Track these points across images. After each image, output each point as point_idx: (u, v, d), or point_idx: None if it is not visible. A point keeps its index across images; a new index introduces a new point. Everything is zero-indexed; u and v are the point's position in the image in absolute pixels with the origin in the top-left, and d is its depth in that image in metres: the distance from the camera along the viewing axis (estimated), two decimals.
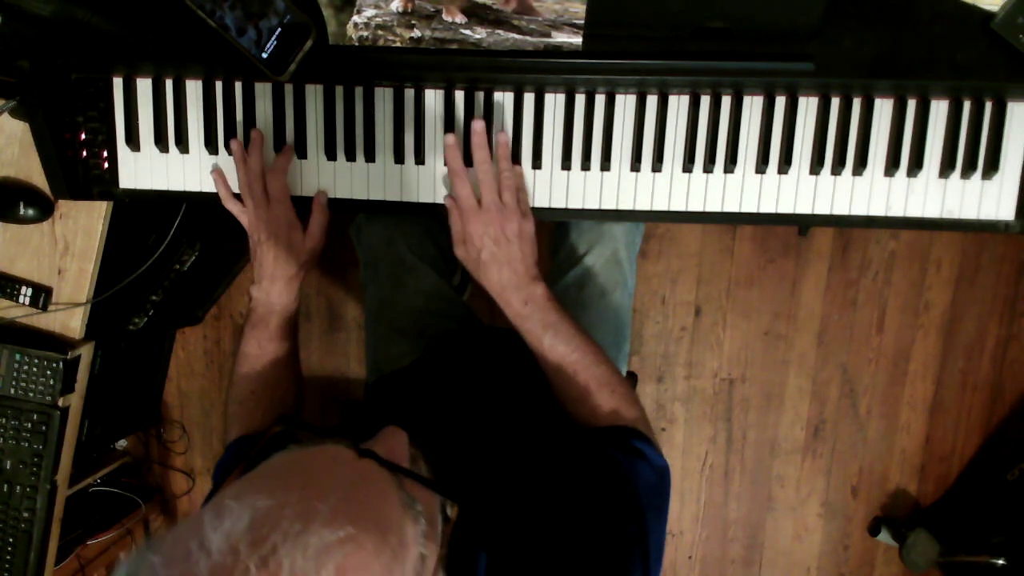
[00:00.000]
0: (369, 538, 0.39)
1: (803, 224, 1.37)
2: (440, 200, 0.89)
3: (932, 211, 0.86)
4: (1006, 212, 0.85)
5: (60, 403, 1.07)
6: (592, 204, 0.88)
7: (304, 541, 0.37)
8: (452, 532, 0.47)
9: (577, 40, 0.78)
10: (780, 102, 0.84)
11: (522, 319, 0.80)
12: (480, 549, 0.58)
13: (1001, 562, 1.60)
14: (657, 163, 0.86)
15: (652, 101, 0.85)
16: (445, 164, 0.84)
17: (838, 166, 0.85)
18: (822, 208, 0.86)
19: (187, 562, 0.36)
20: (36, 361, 1.04)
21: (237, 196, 0.88)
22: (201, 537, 0.37)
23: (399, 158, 0.88)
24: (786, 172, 0.86)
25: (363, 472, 0.44)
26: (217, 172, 0.88)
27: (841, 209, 0.86)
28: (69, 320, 1.06)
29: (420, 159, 0.88)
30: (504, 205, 0.81)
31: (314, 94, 0.87)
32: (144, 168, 0.90)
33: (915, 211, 0.86)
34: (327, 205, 0.88)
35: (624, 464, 0.69)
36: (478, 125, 0.81)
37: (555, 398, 0.84)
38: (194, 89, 0.88)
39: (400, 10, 0.78)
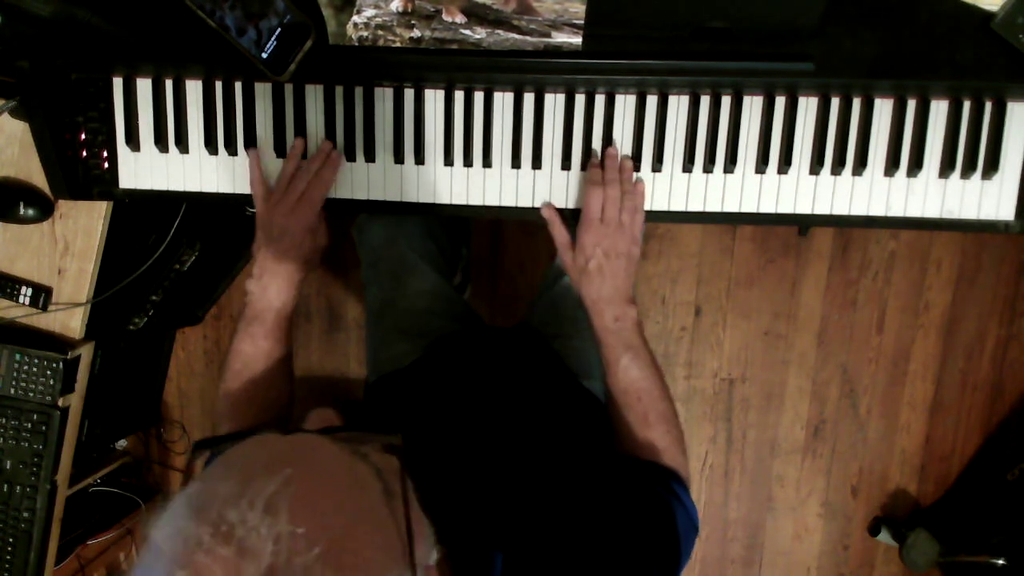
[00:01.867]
0: (311, 475, 0.39)
1: (803, 224, 1.37)
2: (440, 200, 0.89)
3: (932, 211, 0.86)
4: (1006, 212, 0.85)
5: (60, 403, 1.07)
6: None
7: (247, 499, 0.36)
8: (404, 465, 0.46)
9: (577, 40, 0.78)
10: (780, 102, 0.84)
11: (608, 333, 0.81)
12: (495, 549, 0.58)
13: (1001, 562, 1.60)
14: (657, 163, 0.86)
15: (652, 101, 0.85)
16: (587, 172, 0.86)
17: (838, 166, 0.85)
18: (822, 208, 0.86)
19: (146, 572, 0.36)
20: (36, 361, 1.04)
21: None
22: (150, 545, 0.37)
23: (399, 158, 0.88)
24: (786, 172, 0.86)
25: (292, 441, 0.44)
26: (255, 153, 0.86)
27: (841, 209, 0.86)
28: (69, 320, 1.06)
29: (420, 159, 0.88)
30: (622, 224, 0.82)
31: (314, 94, 0.87)
32: (144, 168, 0.90)
33: (915, 211, 0.86)
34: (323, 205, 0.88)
35: (668, 503, 0.70)
36: (613, 151, 0.85)
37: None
38: (194, 89, 0.88)
39: (400, 10, 0.78)
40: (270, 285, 0.84)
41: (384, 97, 0.86)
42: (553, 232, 0.86)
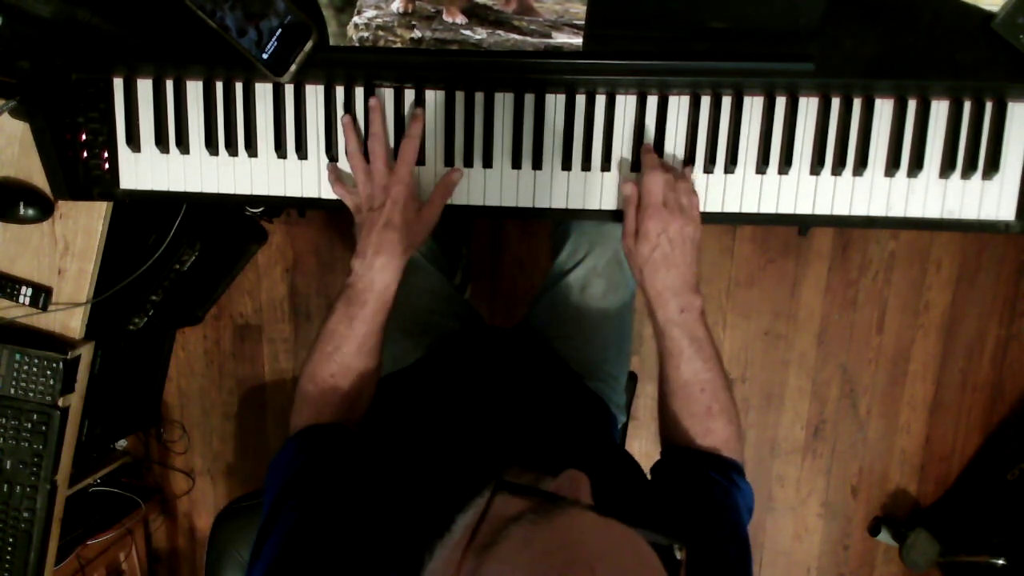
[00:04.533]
0: None
1: (803, 224, 1.36)
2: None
3: (932, 211, 0.86)
4: (1006, 212, 0.85)
5: (60, 403, 1.07)
6: (593, 205, 0.88)
7: None
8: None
9: (577, 41, 0.78)
10: (780, 102, 0.84)
11: (672, 325, 0.78)
12: None
13: (1001, 562, 1.61)
14: None
15: (652, 101, 0.85)
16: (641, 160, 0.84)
17: (838, 166, 0.85)
18: (822, 208, 0.86)
19: None
20: (36, 361, 1.04)
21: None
22: None
23: None
24: (786, 172, 0.86)
25: (622, 533, 0.42)
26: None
27: (841, 209, 0.86)
28: (69, 320, 1.06)
29: (420, 160, 0.87)
30: (682, 207, 0.80)
31: (314, 94, 0.87)
32: (144, 169, 0.90)
33: (915, 211, 0.86)
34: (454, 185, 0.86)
35: (731, 494, 0.70)
36: (649, 146, 0.84)
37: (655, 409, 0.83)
38: (194, 90, 0.88)
39: (401, 11, 0.78)
40: (375, 261, 0.80)
41: (384, 98, 0.86)
42: (626, 214, 0.82)
